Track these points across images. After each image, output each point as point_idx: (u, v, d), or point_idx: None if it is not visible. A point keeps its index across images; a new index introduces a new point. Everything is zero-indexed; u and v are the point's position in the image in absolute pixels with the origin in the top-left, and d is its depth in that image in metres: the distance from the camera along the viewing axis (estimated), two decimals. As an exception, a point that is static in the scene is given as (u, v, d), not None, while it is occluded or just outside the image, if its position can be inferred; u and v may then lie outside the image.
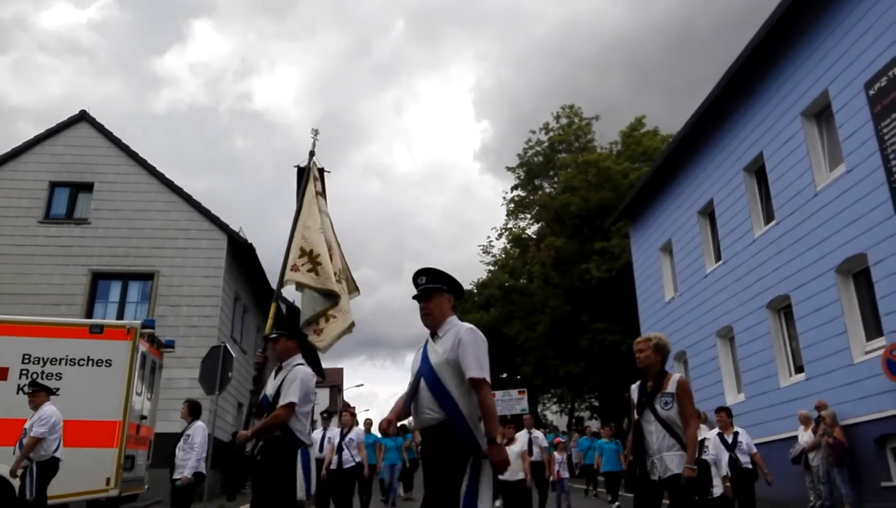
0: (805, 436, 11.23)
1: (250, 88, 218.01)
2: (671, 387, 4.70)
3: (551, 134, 33.67)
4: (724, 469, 7.75)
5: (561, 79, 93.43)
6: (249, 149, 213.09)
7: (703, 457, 7.10)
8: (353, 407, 11.50)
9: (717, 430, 8.24)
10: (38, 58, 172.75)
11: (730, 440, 8.12)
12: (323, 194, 7.01)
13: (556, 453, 12.49)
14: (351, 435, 10.05)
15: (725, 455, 7.90)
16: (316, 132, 7.17)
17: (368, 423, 14.92)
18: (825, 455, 10.59)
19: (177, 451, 8.38)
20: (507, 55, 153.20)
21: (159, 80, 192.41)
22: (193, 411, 8.67)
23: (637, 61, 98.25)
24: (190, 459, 8.31)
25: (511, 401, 22.27)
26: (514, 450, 9.10)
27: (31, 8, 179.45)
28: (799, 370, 12.69)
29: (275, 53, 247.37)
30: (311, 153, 7.04)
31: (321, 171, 7.16)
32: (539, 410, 39.82)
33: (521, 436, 10.50)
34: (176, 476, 8.32)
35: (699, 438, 5.01)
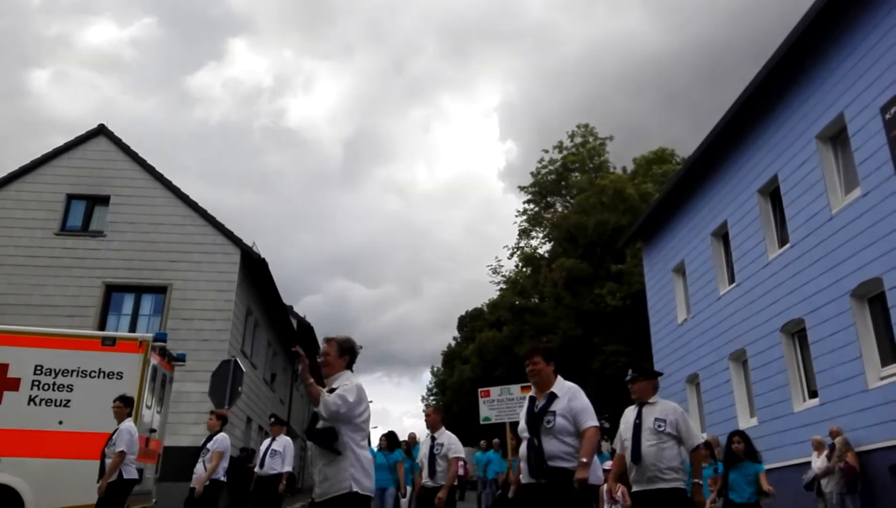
0: (818, 462, 11.08)
1: (285, 105, 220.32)
2: None
3: (565, 153, 33.71)
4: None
5: (589, 99, 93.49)
6: (281, 165, 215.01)
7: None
8: (222, 411, 9.78)
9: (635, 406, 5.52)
10: (78, 73, 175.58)
11: (634, 416, 5.38)
12: None
13: (604, 487, 8.62)
14: (209, 444, 8.49)
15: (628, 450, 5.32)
16: None
17: None
18: (838, 481, 10.45)
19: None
20: (536, 74, 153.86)
21: (196, 95, 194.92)
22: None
23: (667, 82, 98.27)
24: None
25: (511, 402, 15.33)
26: None
27: (75, 26, 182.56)
28: (813, 394, 12.54)
29: (310, 71, 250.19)
30: None
31: None
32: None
33: (423, 444, 7.66)
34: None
35: None
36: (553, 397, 4.73)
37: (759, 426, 13.87)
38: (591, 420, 4.61)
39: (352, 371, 4.52)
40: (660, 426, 5.13)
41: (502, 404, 15.65)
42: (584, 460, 4.45)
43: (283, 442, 9.57)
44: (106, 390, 9.86)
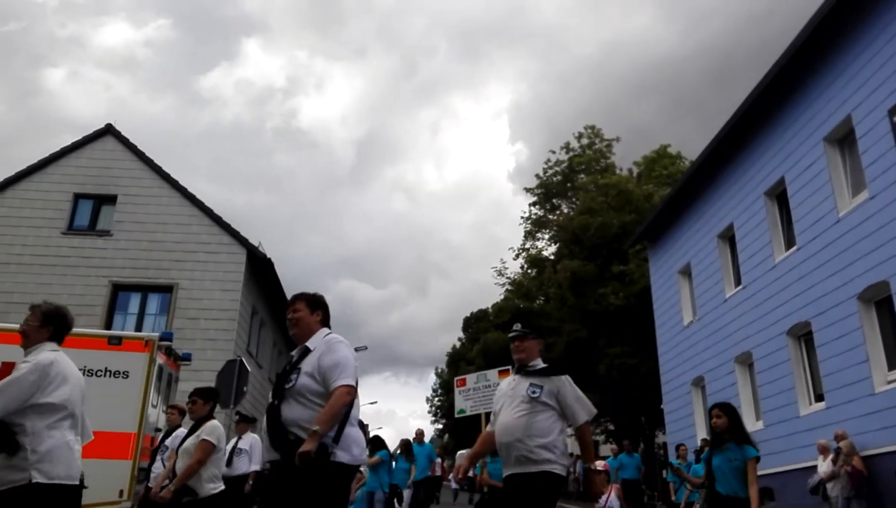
0: (824, 466, 11.03)
1: (297, 106, 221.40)
2: None
3: (571, 154, 33.69)
4: None
5: (600, 101, 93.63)
6: (291, 166, 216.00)
7: None
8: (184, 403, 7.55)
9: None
10: (92, 73, 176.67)
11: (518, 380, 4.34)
12: None
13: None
14: (168, 441, 7.32)
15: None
16: None
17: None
18: (844, 485, 10.40)
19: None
20: (547, 76, 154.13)
21: (209, 96, 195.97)
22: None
23: (676, 85, 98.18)
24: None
25: (488, 390, 12.70)
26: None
27: (90, 27, 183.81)
28: (819, 398, 12.49)
29: (323, 72, 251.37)
30: None
31: None
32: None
33: (211, 427, 5.69)
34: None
35: None
36: (305, 351, 3.82)
37: (765, 430, 13.83)
38: (341, 379, 3.60)
39: (57, 344, 3.87)
40: (534, 392, 4.06)
41: (478, 392, 13.56)
42: (316, 428, 3.46)
43: (250, 440, 9.31)
44: (111, 389, 9.89)
